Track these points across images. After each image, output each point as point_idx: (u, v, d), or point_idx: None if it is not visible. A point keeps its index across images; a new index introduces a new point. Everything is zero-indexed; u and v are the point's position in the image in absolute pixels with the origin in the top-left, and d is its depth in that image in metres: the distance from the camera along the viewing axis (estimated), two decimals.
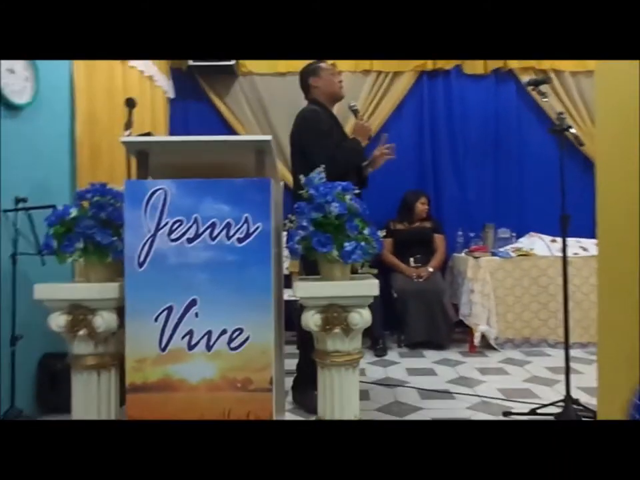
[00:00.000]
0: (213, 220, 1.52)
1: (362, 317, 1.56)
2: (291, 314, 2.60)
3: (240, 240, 1.52)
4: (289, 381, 2.42)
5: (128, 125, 2.42)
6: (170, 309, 1.52)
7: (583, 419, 2.07)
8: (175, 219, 1.52)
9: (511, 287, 3.61)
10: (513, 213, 4.21)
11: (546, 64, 4.12)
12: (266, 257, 1.52)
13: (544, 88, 2.44)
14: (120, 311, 1.60)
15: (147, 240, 1.52)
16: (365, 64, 4.15)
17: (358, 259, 1.56)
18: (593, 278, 3.51)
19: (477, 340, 3.53)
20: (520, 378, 2.93)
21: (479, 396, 2.58)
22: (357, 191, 1.67)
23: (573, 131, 2.27)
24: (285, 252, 1.82)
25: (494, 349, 3.56)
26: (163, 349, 1.52)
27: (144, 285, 1.52)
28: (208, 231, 1.52)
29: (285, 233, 1.76)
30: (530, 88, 2.50)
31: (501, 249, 3.76)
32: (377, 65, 4.14)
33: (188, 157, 1.68)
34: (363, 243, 1.57)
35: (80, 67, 2.69)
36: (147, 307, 1.52)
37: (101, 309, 1.60)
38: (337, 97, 2.52)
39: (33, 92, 2.34)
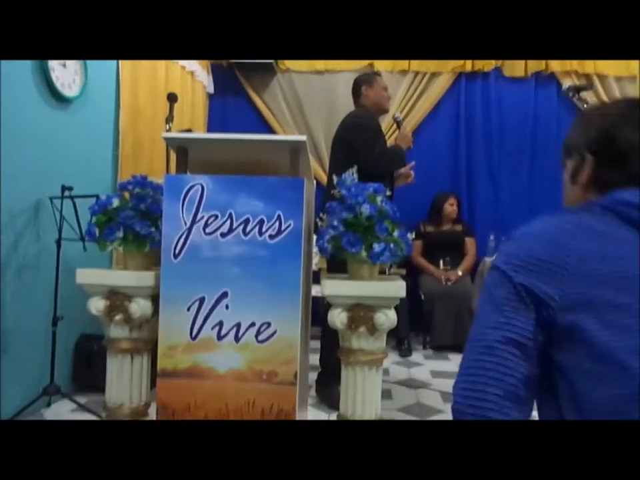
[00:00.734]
0: (246, 216, 1.57)
1: (387, 318, 1.58)
2: (317, 309, 2.65)
3: (272, 236, 1.56)
4: (313, 375, 2.46)
5: (169, 119, 2.49)
6: (202, 299, 1.58)
7: None
8: (210, 214, 1.58)
9: None
10: None
11: (589, 67, 3.99)
12: (296, 254, 1.56)
13: (584, 94, 2.38)
14: (155, 299, 1.67)
15: (183, 232, 1.58)
16: (403, 64, 4.13)
17: (386, 260, 1.59)
18: None
19: None
20: None
21: None
22: (388, 193, 1.70)
23: None
24: (315, 248, 1.86)
25: None
26: (194, 338, 1.58)
27: (178, 275, 1.58)
28: (241, 226, 1.57)
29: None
30: (570, 94, 2.45)
31: None
32: (415, 65, 4.11)
33: (225, 153, 1.74)
34: (391, 245, 1.59)
35: (126, 62, 2.79)
36: (181, 297, 1.58)
37: (137, 296, 1.68)
38: (383, 108, 2.68)
39: (82, 85, 2.45)
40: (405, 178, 2.69)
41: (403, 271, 3.58)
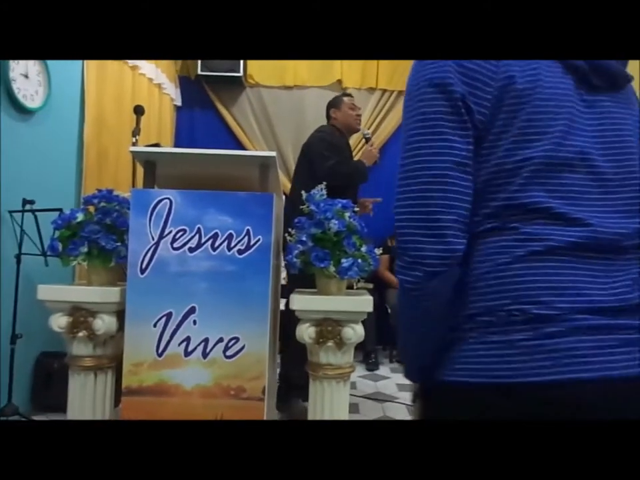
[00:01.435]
0: (215, 231, 1.57)
1: (355, 332, 1.60)
2: (281, 324, 2.63)
3: (240, 251, 1.56)
4: None
5: (135, 132, 2.47)
6: (169, 315, 1.56)
7: None
8: (178, 228, 1.57)
9: None
10: None
11: None
12: (265, 270, 1.56)
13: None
14: (120, 315, 1.64)
15: (151, 247, 1.57)
16: (370, 81, 4.23)
17: (354, 275, 1.61)
18: None
19: None
20: None
21: None
22: (356, 209, 1.73)
23: None
24: (283, 263, 1.87)
25: None
26: (160, 354, 1.56)
27: (145, 291, 1.56)
28: (210, 241, 1.57)
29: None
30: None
31: None
32: (382, 82, 4.22)
33: (194, 168, 1.73)
34: (359, 260, 1.62)
35: (91, 72, 2.75)
36: (147, 312, 1.56)
37: (102, 312, 1.65)
38: (352, 129, 2.78)
39: (45, 96, 2.40)
40: (362, 208, 2.70)
41: (370, 285, 3.62)
